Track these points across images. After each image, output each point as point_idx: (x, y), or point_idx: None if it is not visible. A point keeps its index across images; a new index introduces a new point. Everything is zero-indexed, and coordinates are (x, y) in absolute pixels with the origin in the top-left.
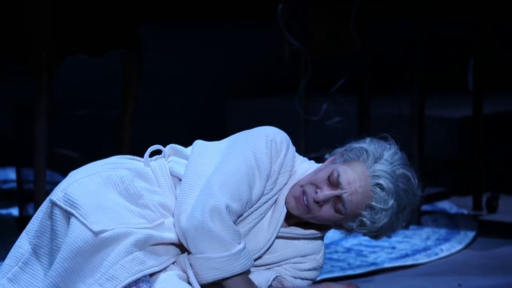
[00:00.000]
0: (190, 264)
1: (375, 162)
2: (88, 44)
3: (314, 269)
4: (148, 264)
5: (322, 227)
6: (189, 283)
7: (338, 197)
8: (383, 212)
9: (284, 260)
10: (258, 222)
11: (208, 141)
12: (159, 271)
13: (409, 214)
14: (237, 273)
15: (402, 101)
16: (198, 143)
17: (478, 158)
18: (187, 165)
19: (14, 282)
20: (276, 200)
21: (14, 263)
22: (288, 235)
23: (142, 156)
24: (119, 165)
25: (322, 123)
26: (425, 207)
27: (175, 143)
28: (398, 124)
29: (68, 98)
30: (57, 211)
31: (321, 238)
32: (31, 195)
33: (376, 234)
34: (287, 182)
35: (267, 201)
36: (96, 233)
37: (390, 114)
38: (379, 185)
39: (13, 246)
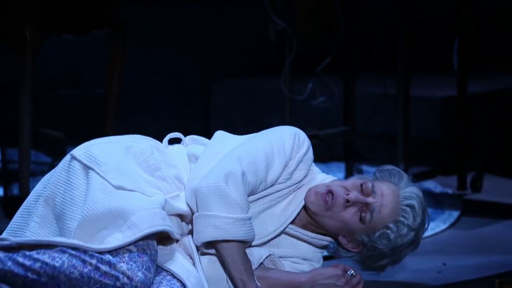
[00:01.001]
0: (193, 223)
1: (407, 185)
2: (73, 24)
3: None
4: (168, 223)
5: (329, 235)
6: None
7: (367, 206)
8: (410, 231)
9: (284, 257)
10: (267, 208)
11: (194, 121)
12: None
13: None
14: (238, 238)
15: (387, 81)
16: (220, 132)
17: (463, 137)
18: (205, 147)
19: (23, 229)
20: (293, 196)
21: (26, 214)
22: (294, 233)
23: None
24: (139, 139)
25: (307, 102)
26: None
27: (159, 123)
28: (383, 103)
29: (52, 78)
30: (76, 165)
31: (323, 248)
32: (15, 175)
33: (389, 254)
34: (302, 179)
35: (279, 191)
36: (116, 187)
37: (375, 94)
38: (411, 205)
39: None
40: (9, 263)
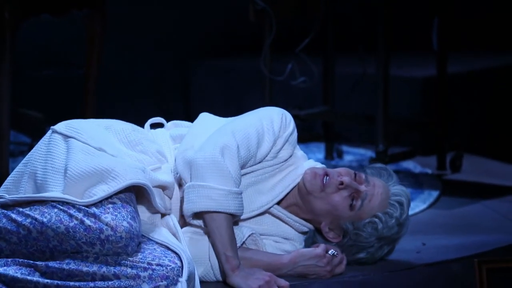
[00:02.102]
0: (186, 192)
1: (396, 183)
2: (51, 4)
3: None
4: (150, 185)
5: (312, 222)
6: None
7: (358, 193)
8: (397, 224)
9: (266, 235)
10: (253, 184)
11: (175, 102)
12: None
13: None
14: (229, 211)
15: (366, 61)
16: (204, 114)
17: (442, 117)
18: (191, 127)
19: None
20: (281, 177)
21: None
22: (278, 213)
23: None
24: (120, 122)
25: (287, 83)
26: (389, 167)
27: (139, 102)
28: (363, 83)
29: (32, 58)
30: (56, 136)
31: (303, 233)
32: None
33: (368, 246)
34: (287, 159)
35: (265, 168)
36: (97, 149)
37: (354, 74)
38: (400, 201)
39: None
40: (4, 220)
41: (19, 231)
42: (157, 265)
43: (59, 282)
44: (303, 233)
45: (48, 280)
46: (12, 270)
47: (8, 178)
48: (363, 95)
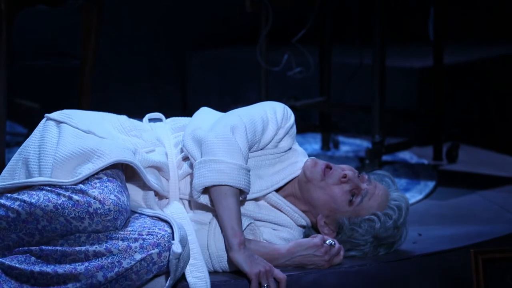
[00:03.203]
0: (196, 168)
1: (397, 190)
2: None
3: (289, 240)
4: (138, 163)
5: (308, 215)
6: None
7: (358, 190)
8: (394, 227)
9: (264, 221)
10: (254, 168)
11: (171, 92)
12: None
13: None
14: (240, 186)
15: (363, 51)
16: (205, 108)
17: (439, 108)
18: (192, 118)
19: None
20: (281, 167)
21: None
22: (277, 200)
23: None
24: (115, 115)
25: (283, 73)
26: (385, 157)
27: (135, 93)
28: (359, 74)
29: (28, 49)
30: (50, 123)
31: (301, 227)
32: None
33: (361, 244)
34: (286, 150)
35: (264, 155)
36: (86, 131)
37: (351, 64)
38: (399, 206)
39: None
40: None
41: (8, 215)
42: (148, 234)
43: (55, 266)
44: (300, 226)
45: (43, 265)
46: (9, 259)
47: (5, 169)
48: (360, 85)
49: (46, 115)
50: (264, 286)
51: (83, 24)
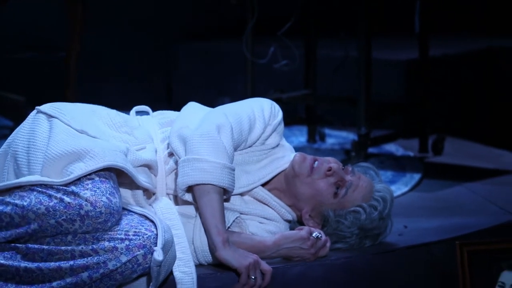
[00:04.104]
0: (180, 166)
1: (380, 182)
2: None
3: (275, 233)
4: (130, 167)
5: (293, 209)
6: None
7: (343, 182)
8: (379, 219)
9: (250, 215)
10: (240, 165)
11: (157, 84)
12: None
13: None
14: (223, 185)
15: (348, 44)
16: (193, 103)
17: (424, 100)
18: (180, 113)
19: None
20: (267, 162)
21: None
22: (264, 195)
23: None
24: (104, 107)
25: (269, 66)
26: (371, 150)
27: (121, 86)
28: (345, 66)
29: (13, 41)
30: (41, 116)
31: (287, 222)
32: None
33: (347, 236)
34: (274, 147)
35: (251, 152)
36: (79, 131)
37: (336, 57)
38: (383, 197)
39: None
40: None
41: (2, 219)
42: (134, 234)
43: (40, 264)
44: (286, 221)
45: (29, 263)
46: None
47: None
48: (345, 78)
49: (37, 107)
50: (251, 278)
51: (68, 17)
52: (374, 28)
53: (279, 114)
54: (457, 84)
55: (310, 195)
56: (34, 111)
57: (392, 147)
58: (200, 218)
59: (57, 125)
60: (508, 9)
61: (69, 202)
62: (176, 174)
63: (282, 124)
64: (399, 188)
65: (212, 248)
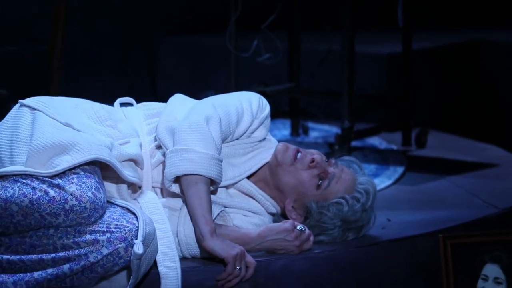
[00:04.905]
0: (168, 157)
1: (364, 175)
2: None
3: (260, 226)
4: (115, 160)
5: (277, 200)
6: None
7: (326, 174)
8: (362, 211)
9: (235, 208)
10: (226, 157)
11: (140, 78)
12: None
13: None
14: (211, 175)
15: (332, 37)
16: (179, 95)
17: (407, 94)
18: (167, 105)
19: None
20: (253, 154)
21: None
22: (249, 187)
23: None
24: (88, 101)
25: (253, 59)
26: (355, 143)
27: (104, 79)
28: (329, 60)
29: None
30: (24, 109)
31: (272, 215)
32: None
33: (329, 228)
34: (261, 140)
35: (238, 145)
36: (64, 124)
37: (320, 50)
38: (366, 190)
39: None
40: None
41: None
42: (115, 227)
43: (22, 256)
44: (270, 214)
45: (11, 255)
46: None
47: None
48: (329, 71)
49: (20, 101)
50: (237, 268)
51: (52, 10)
52: (358, 21)
53: (267, 108)
54: (440, 77)
55: (293, 185)
56: (18, 105)
57: (375, 141)
58: (187, 208)
59: (42, 118)
60: (490, 2)
61: (53, 196)
62: (163, 167)
63: (269, 118)
64: (382, 181)
65: (199, 238)
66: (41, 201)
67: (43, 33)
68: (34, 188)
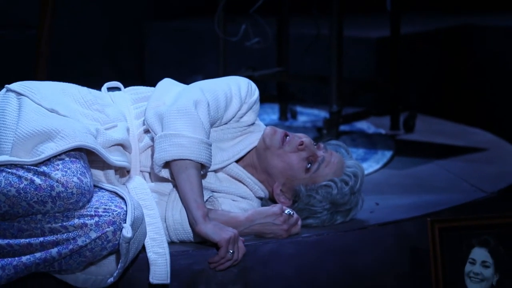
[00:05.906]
0: (157, 142)
1: (351, 158)
2: None
3: (248, 210)
4: (100, 147)
5: (265, 184)
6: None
7: (315, 157)
8: (350, 194)
9: (224, 192)
10: (215, 142)
11: (129, 63)
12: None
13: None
14: (201, 160)
15: (320, 22)
16: (168, 79)
17: (395, 78)
18: (155, 89)
19: None
20: (241, 139)
21: None
22: (238, 171)
23: None
24: (76, 85)
25: (241, 44)
26: (343, 127)
27: (93, 64)
28: (317, 44)
29: None
30: (10, 95)
31: (260, 199)
32: None
33: (318, 211)
34: (249, 125)
35: (226, 129)
36: (49, 110)
37: (308, 35)
38: (354, 173)
39: None
40: None
41: None
42: (104, 211)
43: (10, 241)
44: (259, 198)
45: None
46: None
47: None
48: (317, 56)
49: (6, 86)
50: (229, 252)
51: None
52: (346, 6)
53: (256, 92)
54: (429, 62)
55: (281, 168)
56: (4, 90)
57: (363, 125)
58: (179, 193)
59: (27, 104)
60: None
61: (39, 184)
62: (152, 151)
63: (258, 103)
64: (370, 166)
65: (192, 223)
66: (27, 189)
67: (32, 17)
68: (20, 177)
